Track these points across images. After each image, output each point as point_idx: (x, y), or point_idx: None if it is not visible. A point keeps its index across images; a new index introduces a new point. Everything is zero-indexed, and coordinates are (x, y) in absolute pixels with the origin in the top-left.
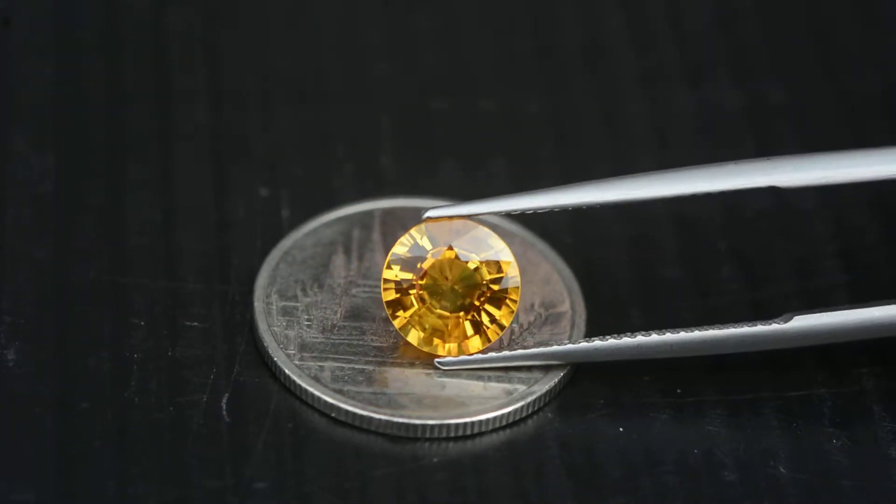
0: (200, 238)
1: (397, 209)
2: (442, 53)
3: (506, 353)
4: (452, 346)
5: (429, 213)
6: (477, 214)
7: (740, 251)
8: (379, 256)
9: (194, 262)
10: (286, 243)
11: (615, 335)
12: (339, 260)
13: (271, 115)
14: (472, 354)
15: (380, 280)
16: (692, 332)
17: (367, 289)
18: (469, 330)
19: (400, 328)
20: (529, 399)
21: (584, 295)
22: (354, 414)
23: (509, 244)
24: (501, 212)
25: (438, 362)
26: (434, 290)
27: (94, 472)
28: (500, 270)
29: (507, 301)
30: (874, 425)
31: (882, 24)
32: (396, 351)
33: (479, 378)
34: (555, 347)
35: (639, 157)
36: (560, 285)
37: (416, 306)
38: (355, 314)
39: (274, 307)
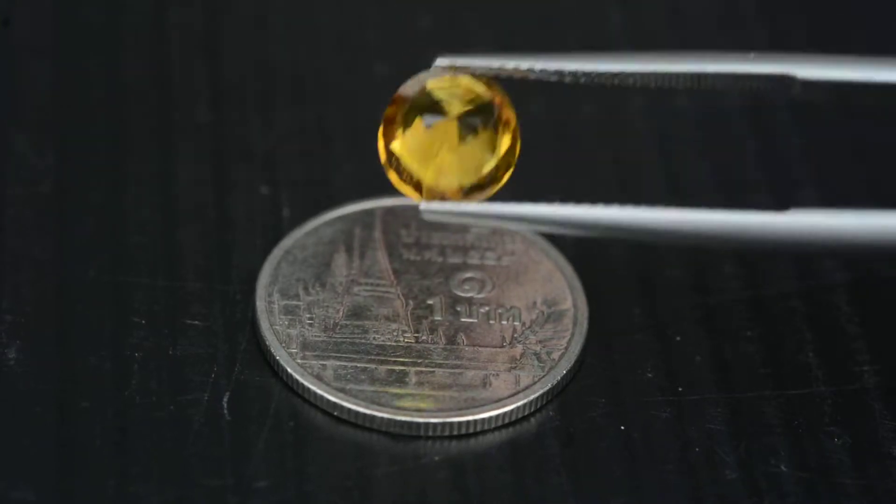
0: (201, 237)
1: (398, 207)
2: (442, 53)
3: (492, 207)
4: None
5: (438, 62)
6: (490, 68)
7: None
8: (381, 254)
9: (195, 261)
10: (287, 242)
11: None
12: (340, 258)
13: (271, 114)
14: (457, 204)
15: (382, 279)
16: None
17: (369, 287)
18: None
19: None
20: (531, 397)
21: (587, 293)
22: (357, 412)
23: (511, 241)
24: (516, 69)
25: (422, 208)
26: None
27: (94, 471)
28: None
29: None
30: (875, 423)
31: (882, 24)
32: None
33: (483, 379)
34: (544, 208)
35: (639, 157)
36: (562, 283)
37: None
38: (357, 312)
39: (276, 306)
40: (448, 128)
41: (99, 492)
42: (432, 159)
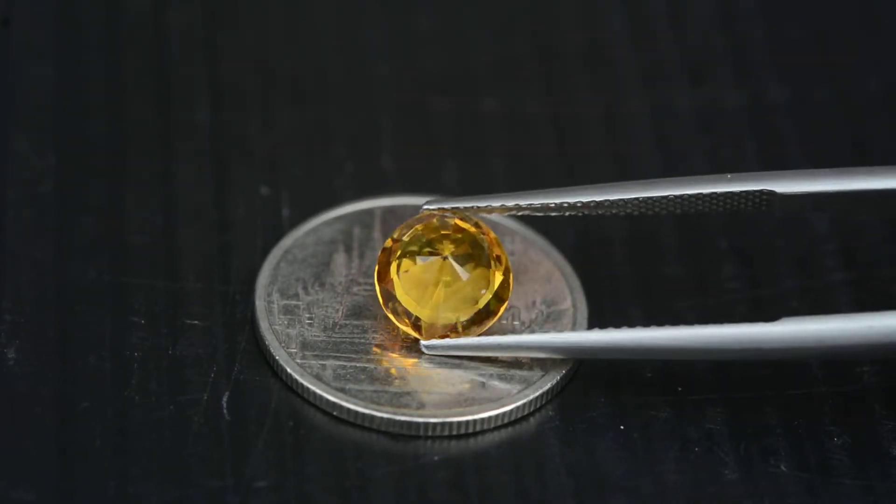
0: (201, 237)
1: (398, 207)
2: (442, 53)
3: (492, 339)
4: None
5: (426, 206)
6: (477, 208)
7: (741, 249)
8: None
9: (195, 261)
10: (287, 242)
11: (602, 328)
12: (340, 258)
13: (271, 114)
14: (457, 339)
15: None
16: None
17: (368, 287)
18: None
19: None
20: (531, 397)
21: (586, 292)
22: (356, 412)
23: (510, 241)
24: (502, 207)
25: (424, 345)
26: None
27: (94, 471)
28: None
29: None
30: (875, 423)
31: (882, 24)
32: (396, 341)
33: (483, 379)
34: (541, 337)
35: (639, 157)
36: (561, 283)
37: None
38: (357, 312)
39: (275, 306)
40: (442, 267)
41: (99, 491)
42: (428, 299)
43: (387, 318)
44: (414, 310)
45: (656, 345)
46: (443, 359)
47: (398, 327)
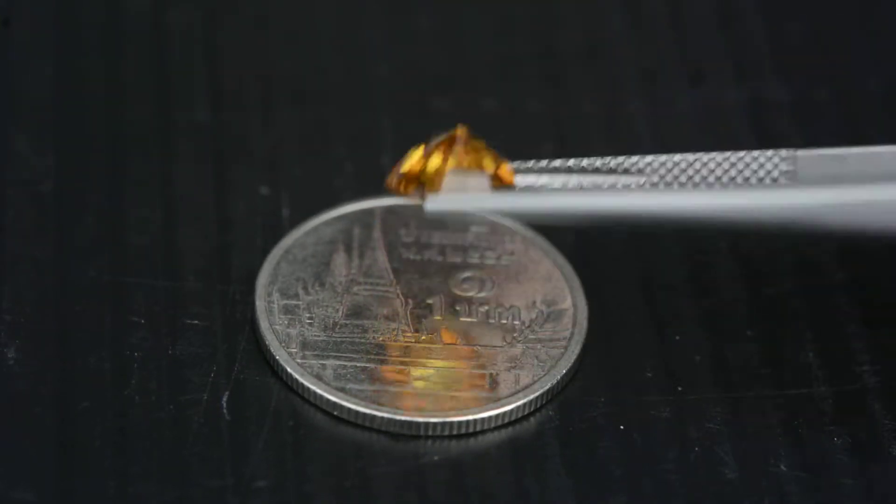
0: (201, 237)
1: (398, 207)
2: (442, 53)
3: (496, 196)
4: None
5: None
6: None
7: (741, 250)
8: (380, 254)
9: (195, 261)
10: (287, 242)
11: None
12: (340, 258)
13: (271, 114)
14: (461, 196)
15: (381, 279)
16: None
17: (368, 287)
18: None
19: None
20: (531, 397)
21: (586, 292)
22: (356, 412)
23: (510, 240)
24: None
25: (427, 205)
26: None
27: (94, 471)
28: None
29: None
30: (875, 423)
31: (882, 24)
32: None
33: (483, 379)
34: (542, 196)
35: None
36: (561, 282)
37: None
38: (357, 312)
39: (275, 305)
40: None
41: (99, 491)
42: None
43: (387, 317)
44: (419, 165)
45: (673, 209)
46: (442, 359)
47: (403, 194)
